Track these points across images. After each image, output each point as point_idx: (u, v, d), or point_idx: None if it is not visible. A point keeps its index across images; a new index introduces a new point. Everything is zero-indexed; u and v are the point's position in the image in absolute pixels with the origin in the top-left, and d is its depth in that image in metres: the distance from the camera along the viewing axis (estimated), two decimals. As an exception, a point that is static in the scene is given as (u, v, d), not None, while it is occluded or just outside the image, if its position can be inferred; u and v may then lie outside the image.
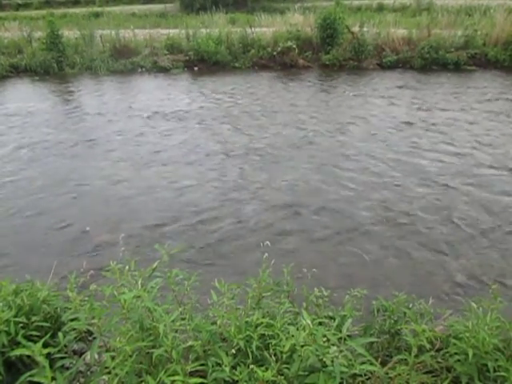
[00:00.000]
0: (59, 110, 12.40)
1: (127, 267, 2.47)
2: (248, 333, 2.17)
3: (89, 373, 2.53)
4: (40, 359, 2.03)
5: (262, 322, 2.24)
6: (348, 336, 2.12)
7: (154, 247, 2.80)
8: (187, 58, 17.04)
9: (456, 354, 2.29)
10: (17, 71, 17.01)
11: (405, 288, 3.62)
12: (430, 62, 15.24)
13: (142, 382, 2.05)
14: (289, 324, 2.25)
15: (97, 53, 17.17)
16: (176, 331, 2.19)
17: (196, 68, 16.95)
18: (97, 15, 28.52)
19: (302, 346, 1.99)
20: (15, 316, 2.36)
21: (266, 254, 2.72)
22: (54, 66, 16.81)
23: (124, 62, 16.95)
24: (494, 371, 2.16)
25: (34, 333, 2.37)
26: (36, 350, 2.04)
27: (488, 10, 18.56)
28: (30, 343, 2.11)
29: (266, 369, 2.00)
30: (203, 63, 16.99)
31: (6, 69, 16.74)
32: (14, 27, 20.67)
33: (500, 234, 5.77)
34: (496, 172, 7.51)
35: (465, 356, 2.21)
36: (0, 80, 16.17)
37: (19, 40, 18.36)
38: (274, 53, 16.54)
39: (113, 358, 2.10)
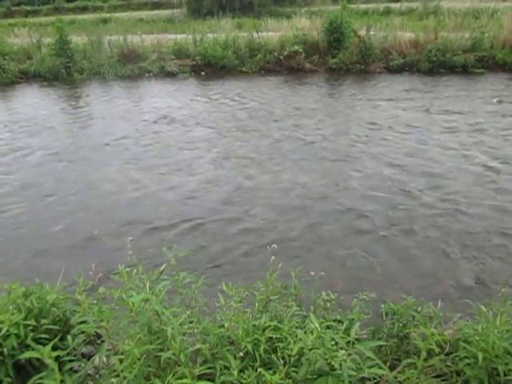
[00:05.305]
0: (68, 114, 12.51)
1: (135, 270, 2.48)
2: (256, 336, 2.17)
3: (97, 376, 2.53)
4: (49, 362, 2.04)
5: (269, 326, 2.24)
6: (356, 339, 2.11)
7: (162, 250, 2.80)
8: (194, 62, 17.13)
9: (466, 357, 2.27)
10: (26, 77, 17.20)
11: (413, 291, 3.60)
12: (437, 65, 15.17)
13: (150, 384, 2.05)
14: (296, 327, 2.25)
15: (105, 58, 17.31)
16: (184, 334, 2.20)
17: (203, 73, 17.03)
18: (105, 21, 28.81)
19: (310, 350, 1.99)
20: (25, 319, 2.37)
21: (274, 257, 2.71)
22: (63, 72, 16.97)
23: (132, 67, 17.07)
24: (505, 375, 2.13)
25: (43, 336, 2.38)
26: (45, 353, 2.04)
27: (495, 13, 18.46)
28: (39, 346, 2.12)
29: (274, 372, 2.00)
30: (210, 68, 17.07)
31: (16, 74, 16.94)
32: (23, 33, 20.90)
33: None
34: (505, 177, 7.46)
35: (475, 360, 2.19)
36: (10, 86, 16.36)
37: (28, 46, 18.57)
38: (281, 57, 16.57)
39: (121, 360, 2.10)
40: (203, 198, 7.14)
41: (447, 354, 2.42)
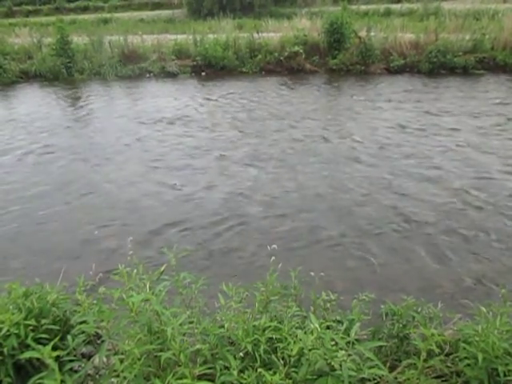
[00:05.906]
0: (68, 114, 12.52)
1: (135, 270, 2.48)
2: (256, 336, 2.17)
3: (97, 376, 2.53)
4: (49, 362, 2.04)
5: (269, 326, 2.24)
6: (356, 340, 2.11)
7: (162, 250, 2.80)
8: (195, 63, 17.15)
9: (466, 358, 2.27)
10: (27, 77, 17.22)
11: (413, 292, 3.60)
12: (437, 66, 15.17)
13: (150, 385, 2.05)
14: (296, 328, 2.25)
15: (105, 58, 17.32)
16: (184, 334, 2.19)
17: (203, 73, 17.04)
18: (106, 21, 28.81)
19: (310, 350, 1.98)
20: (25, 319, 2.37)
21: (274, 258, 2.71)
22: (64, 72, 17.00)
23: (132, 67, 17.09)
24: (505, 376, 2.13)
25: (44, 335, 2.38)
26: (45, 353, 2.04)
27: (496, 14, 18.47)
28: (39, 346, 2.12)
29: (274, 372, 2.00)
30: (210, 68, 17.09)
31: (17, 74, 16.99)
32: (24, 33, 20.93)
33: None
34: (506, 177, 7.46)
35: (475, 360, 2.18)
36: (10, 85, 16.38)
37: (29, 46, 18.59)
38: (281, 57, 16.58)
39: (121, 361, 2.10)
40: (210, 197, 7.16)
41: (447, 355, 2.42)
